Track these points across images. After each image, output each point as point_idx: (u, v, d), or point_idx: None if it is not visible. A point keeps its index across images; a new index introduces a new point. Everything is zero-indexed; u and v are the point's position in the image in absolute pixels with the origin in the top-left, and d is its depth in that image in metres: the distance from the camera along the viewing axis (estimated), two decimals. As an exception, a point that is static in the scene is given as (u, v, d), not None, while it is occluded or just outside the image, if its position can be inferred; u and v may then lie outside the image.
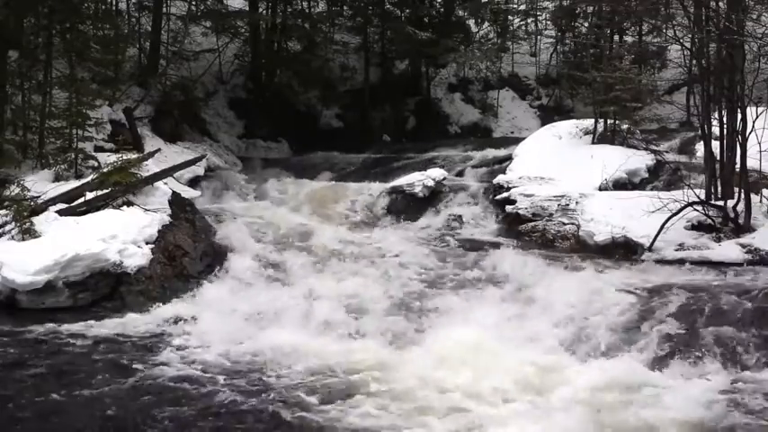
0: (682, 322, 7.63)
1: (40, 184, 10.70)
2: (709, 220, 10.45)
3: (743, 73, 10.77)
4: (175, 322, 8.35)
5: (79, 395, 6.42)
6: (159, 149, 14.07)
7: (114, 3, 18.79)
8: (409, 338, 7.95)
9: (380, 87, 22.22)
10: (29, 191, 10.19)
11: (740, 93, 10.68)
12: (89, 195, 10.52)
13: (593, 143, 14.38)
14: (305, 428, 5.98)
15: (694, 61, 12.33)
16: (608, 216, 11.10)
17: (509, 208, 12.29)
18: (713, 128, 11.11)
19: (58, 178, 11.39)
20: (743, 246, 9.86)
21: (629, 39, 21.34)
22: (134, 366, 7.06)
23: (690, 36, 12.57)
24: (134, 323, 8.35)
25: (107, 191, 10.55)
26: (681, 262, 9.82)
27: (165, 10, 19.10)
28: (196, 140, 17.40)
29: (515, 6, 24.66)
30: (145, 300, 8.97)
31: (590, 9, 20.99)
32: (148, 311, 8.70)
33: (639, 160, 13.31)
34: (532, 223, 11.78)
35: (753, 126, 10.27)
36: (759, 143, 10.33)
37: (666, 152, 14.00)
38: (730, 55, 10.68)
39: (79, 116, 12.09)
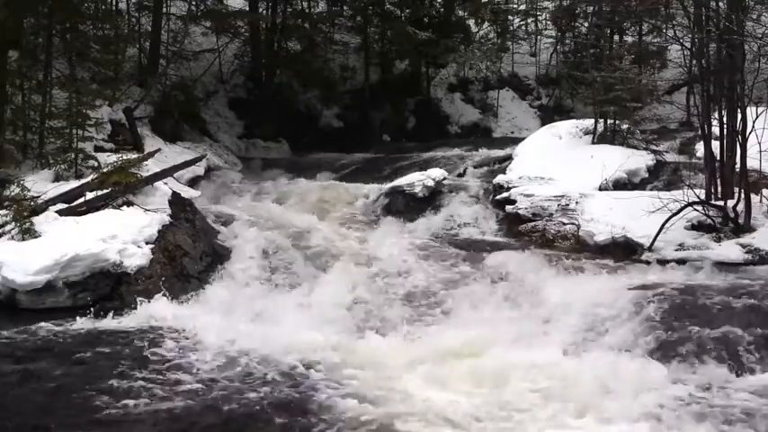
0: (682, 322, 7.63)
1: (40, 184, 10.68)
2: (710, 220, 10.45)
3: (743, 73, 10.78)
4: (175, 322, 8.34)
5: (79, 394, 6.42)
6: (159, 149, 14.06)
7: (114, 3, 18.79)
8: (408, 338, 7.98)
9: (380, 87, 22.23)
10: (29, 191, 10.16)
11: (740, 93, 10.68)
12: (89, 195, 10.51)
13: (593, 143, 14.38)
14: (304, 426, 5.98)
15: (694, 61, 12.33)
16: (608, 216, 11.09)
17: (509, 208, 12.28)
18: (713, 128, 11.12)
19: (58, 178, 11.38)
20: (743, 246, 9.86)
21: (629, 39, 21.34)
22: (133, 366, 7.05)
23: (690, 36, 12.57)
24: (134, 323, 8.34)
25: (107, 191, 10.54)
26: (681, 262, 9.83)
27: (165, 10, 19.10)
28: (196, 140, 17.40)
29: (515, 6, 24.69)
30: (145, 300, 8.97)
31: (590, 9, 21.01)
32: (148, 311, 8.68)
33: (639, 160, 13.31)
34: (532, 223, 11.77)
35: (753, 126, 10.28)
36: (759, 143, 10.34)
37: (666, 152, 14.01)
38: (730, 55, 10.69)
39: (79, 116, 12.09)
